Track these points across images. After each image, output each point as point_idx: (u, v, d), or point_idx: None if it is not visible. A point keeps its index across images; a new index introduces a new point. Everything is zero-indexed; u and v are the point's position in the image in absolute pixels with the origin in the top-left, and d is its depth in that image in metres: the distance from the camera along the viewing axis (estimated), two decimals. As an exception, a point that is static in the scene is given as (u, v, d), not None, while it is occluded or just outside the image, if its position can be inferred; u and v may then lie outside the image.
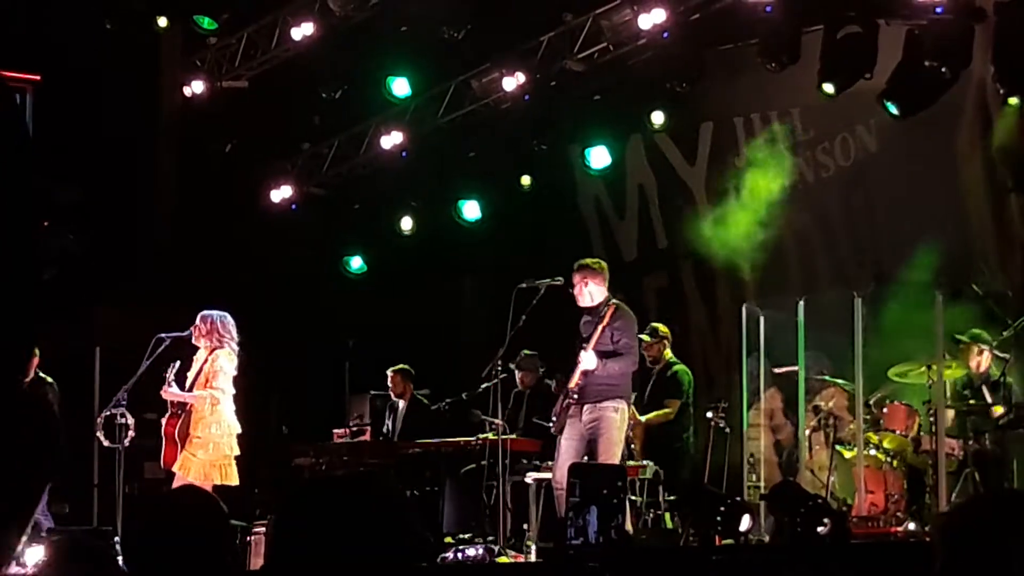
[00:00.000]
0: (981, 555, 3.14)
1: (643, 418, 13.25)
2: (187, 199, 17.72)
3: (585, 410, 11.40)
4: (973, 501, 4.16)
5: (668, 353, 13.85)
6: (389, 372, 15.27)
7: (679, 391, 13.57)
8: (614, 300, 11.67)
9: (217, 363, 11.88)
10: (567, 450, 11.44)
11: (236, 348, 12.02)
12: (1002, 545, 3.21)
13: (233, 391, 11.99)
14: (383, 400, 15.57)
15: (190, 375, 11.97)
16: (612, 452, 11.32)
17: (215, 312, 12.10)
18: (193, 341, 12.05)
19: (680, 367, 13.73)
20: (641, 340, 13.56)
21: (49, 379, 12.33)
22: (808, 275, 14.80)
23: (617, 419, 11.38)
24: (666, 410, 13.50)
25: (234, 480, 11.88)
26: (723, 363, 14.44)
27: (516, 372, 12.34)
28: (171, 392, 11.86)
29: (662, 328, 13.92)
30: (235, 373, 11.98)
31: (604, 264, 11.89)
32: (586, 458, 11.34)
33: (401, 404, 15.24)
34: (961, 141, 13.95)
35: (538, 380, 14.14)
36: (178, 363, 11.97)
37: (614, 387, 11.45)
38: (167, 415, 11.96)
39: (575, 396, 11.42)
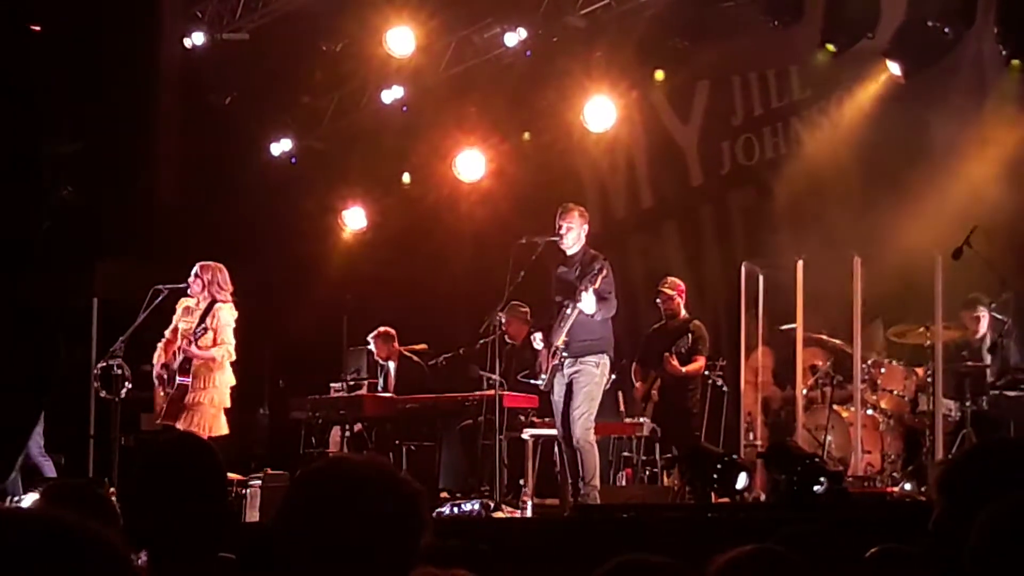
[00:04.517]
0: (979, 505, 3.13)
1: (684, 369, 13.13)
2: (187, 151, 17.68)
3: (567, 363, 11.51)
4: (971, 452, 4.15)
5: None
6: (370, 339, 15.22)
7: (705, 348, 13.47)
8: (592, 251, 11.71)
9: (223, 317, 11.87)
10: (561, 405, 11.52)
11: (231, 300, 12.03)
12: (1000, 494, 3.21)
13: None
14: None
15: (183, 325, 11.94)
16: (588, 406, 11.40)
17: (212, 263, 12.07)
18: (191, 293, 12.01)
19: (700, 323, 13.59)
20: (662, 292, 13.53)
21: None
22: (801, 235, 14.73)
23: (597, 373, 11.47)
24: (699, 364, 13.36)
25: (225, 430, 11.89)
26: (710, 323, 14.33)
27: (500, 318, 12.35)
28: (192, 351, 11.79)
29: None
30: (234, 325, 11.99)
31: (586, 214, 11.92)
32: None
33: (391, 364, 15.18)
34: (956, 102, 13.86)
35: (527, 335, 14.08)
36: (208, 321, 11.87)
37: (597, 341, 11.53)
38: (172, 387, 11.87)
39: (564, 354, 11.47)
